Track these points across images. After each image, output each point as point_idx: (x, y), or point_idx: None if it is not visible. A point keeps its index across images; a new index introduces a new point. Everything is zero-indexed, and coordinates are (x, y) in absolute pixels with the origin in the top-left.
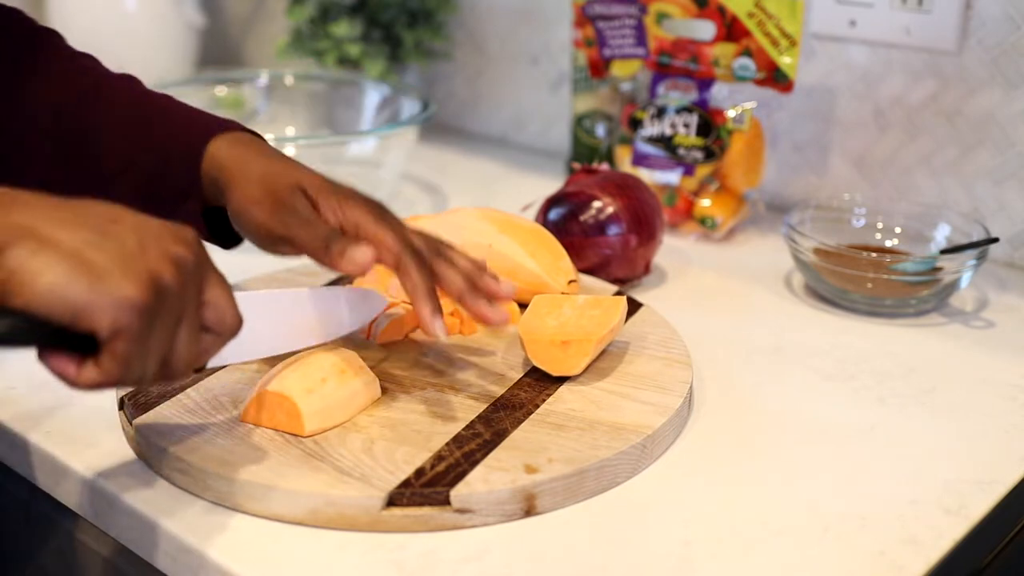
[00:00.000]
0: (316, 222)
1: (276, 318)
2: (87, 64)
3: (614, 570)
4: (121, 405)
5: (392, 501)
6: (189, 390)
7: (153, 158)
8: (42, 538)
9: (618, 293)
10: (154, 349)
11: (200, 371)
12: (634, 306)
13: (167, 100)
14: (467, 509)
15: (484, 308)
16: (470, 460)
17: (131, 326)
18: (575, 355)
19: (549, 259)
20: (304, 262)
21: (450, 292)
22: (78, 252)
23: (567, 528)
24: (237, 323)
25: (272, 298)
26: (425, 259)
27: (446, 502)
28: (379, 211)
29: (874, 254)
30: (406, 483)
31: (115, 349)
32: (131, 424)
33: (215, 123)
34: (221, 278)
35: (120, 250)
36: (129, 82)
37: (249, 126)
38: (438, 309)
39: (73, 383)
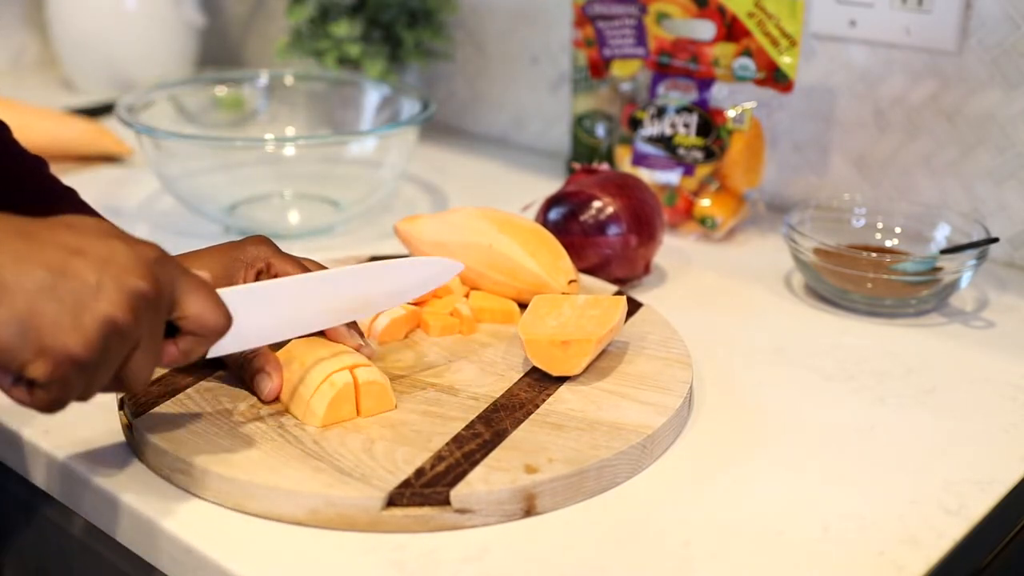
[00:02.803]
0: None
1: (300, 301)
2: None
3: (614, 570)
4: (121, 405)
5: (392, 501)
6: (189, 390)
7: None
8: (42, 538)
9: (618, 293)
10: (98, 379)
11: (201, 361)
12: (634, 306)
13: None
14: (467, 509)
15: (351, 336)
16: (470, 460)
17: (67, 376)
18: (575, 355)
19: (549, 259)
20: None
21: None
22: (29, 305)
23: (567, 528)
24: (221, 325)
25: (292, 283)
26: None
27: (446, 502)
28: (278, 250)
29: (874, 254)
30: (406, 483)
31: (51, 390)
32: (131, 424)
33: None
34: (198, 286)
35: (74, 296)
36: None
37: (249, 126)
38: (351, 325)
39: (30, 406)
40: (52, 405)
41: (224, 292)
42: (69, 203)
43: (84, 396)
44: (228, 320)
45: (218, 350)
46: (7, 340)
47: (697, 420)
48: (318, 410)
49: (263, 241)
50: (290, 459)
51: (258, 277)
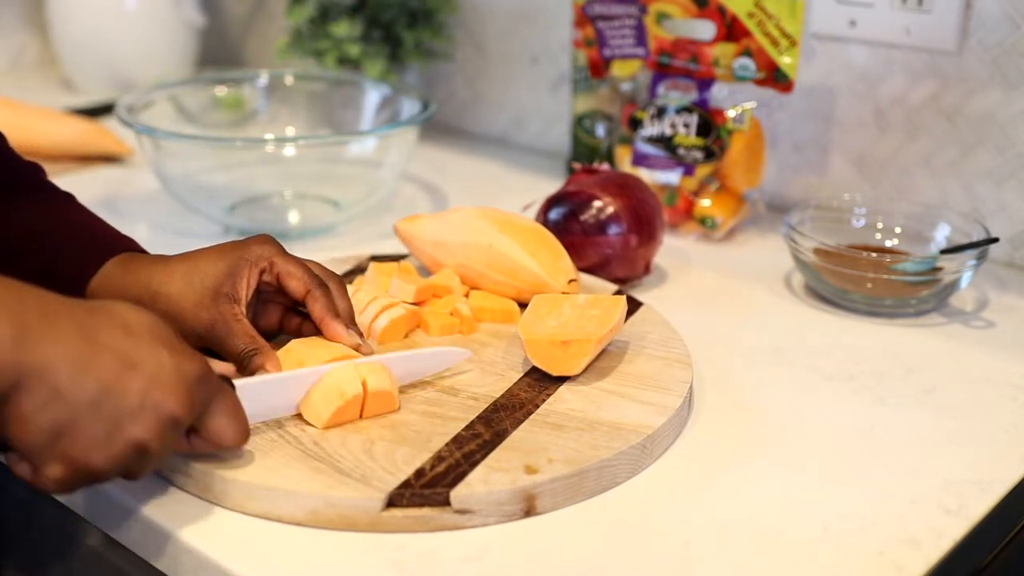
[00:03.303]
0: (236, 333)
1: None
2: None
3: (614, 570)
4: None
5: (392, 502)
6: None
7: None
8: (42, 539)
9: (618, 293)
10: (104, 480)
11: None
12: (634, 305)
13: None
14: (467, 510)
15: (350, 335)
16: (470, 461)
17: (79, 482)
18: (575, 355)
19: (549, 258)
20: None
21: (338, 314)
22: (73, 417)
23: (567, 528)
24: (238, 443)
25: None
26: (329, 288)
27: (446, 503)
28: (282, 250)
29: (874, 254)
30: (406, 484)
31: (57, 486)
32: None
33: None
34: (228, 406)
35: (115, 416)
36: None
37: (249, 126)
38: (349, 324)
39: (28, 481)
40: (52, 492)
41: (240, 384)
42: (67, 209)
43: (82, 487)
44: (245, 439)
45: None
46: (39, 442)
47: (697, 420)
48: (323, 414)
49: (267, 240)
50: (290, 460)
51: (261, 276)
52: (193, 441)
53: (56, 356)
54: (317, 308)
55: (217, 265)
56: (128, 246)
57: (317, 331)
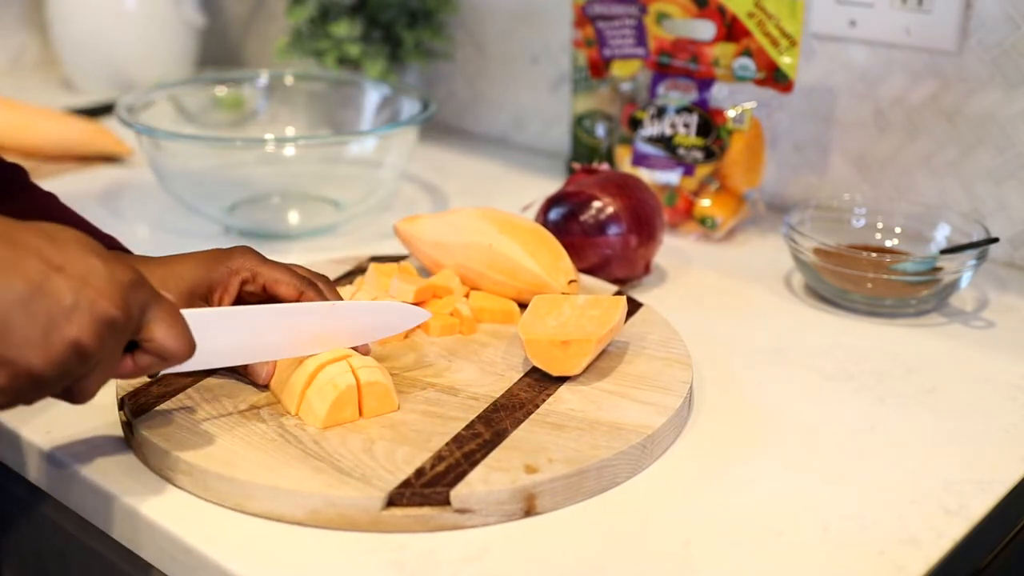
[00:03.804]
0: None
1: (262, 330)
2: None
3: (614, 570)
4: (121, 405)
5: (392, 501)
6: (189, 390)
7: None
8: (42, 538)
9: (618, 293)
10: (50, 391)
11: (153, 377)
12: (634, 306)
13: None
14: (467, 509)
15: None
16: (470, 460)
17: (21, 387)
18: (575, 355)
19: (549, 259)
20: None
21: None
22: (4, 315)
23: (567, 528)
24: (183, 353)
25: (262, 312)
26: (320, 288)
27: (446, 502)
28: (264, 259)
29: (874, 254)
30: (406, 483)
31: (2, 395)
32: (130, 424)
33: None
34: (167, 312)
35: (47, 314)
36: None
37: (249, 126)
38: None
39: None
40: (12, 403)
41: (190, 313)
42: (50, 209)
43: (29, 402)
44: (191, 349)
45: (178, 367)
46: None
47: (697, 420)
48: (320, 411)
49: (249, 251)
50: (290, 459)
51: (243, 286)
52: (137, 358)
53: None
54: None
55: (195, 271)
56: (111, 245)
57: None
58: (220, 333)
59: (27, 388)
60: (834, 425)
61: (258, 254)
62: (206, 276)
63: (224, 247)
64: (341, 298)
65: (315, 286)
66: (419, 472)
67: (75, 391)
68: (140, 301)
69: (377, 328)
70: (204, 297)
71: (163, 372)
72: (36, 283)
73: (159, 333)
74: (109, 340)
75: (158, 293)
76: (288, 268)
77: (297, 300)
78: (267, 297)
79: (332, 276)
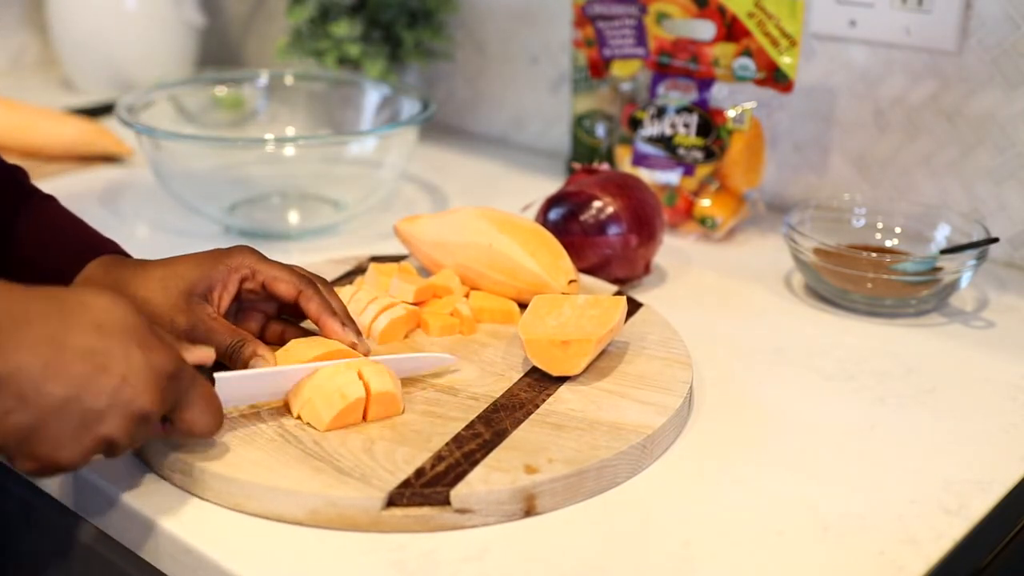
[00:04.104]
0: (216, 331)
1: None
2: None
3: (614, 570)
4: None
5: (392, 501)
6: None
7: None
8: (42, 538)
9: (618, 293)
10: (75, 469)
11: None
12: (634, 306)
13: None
14: (467, 509)
15: (347, 333)
16: (470, 460)
17: (47, 473)
18: (575, 355)
19: (549, 259)
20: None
21: (335, 312)
22: (40, 420)
23: (567, 528)
24: (209, 434)
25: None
26: (318, 287)
27: (446, 502)
28: (263, 257)
29: (874, 254)
30: (406, 483)
31: (30, 474)
32: None
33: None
34: (202, 397)
35: (82, 418)
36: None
37: (249, 126)
38: (346, 321)
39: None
40: (26, 475)
41: (223, 377)
42: (49, 211)
43: (55, 475)
44: (218, 427)
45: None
46: (6, 443)
47: (697, 420)
48: (325, 417)
49: (248, 249)
50: (290, 459)
51: (242, 284)
52: (167, 428)
53: (23, 364)
54: (313, 307)
55: (195, 270)
56: (110, 248)
57: (300, 335)
58: (247, 387)
59: (55, 473)
60: (834, 425)
61: (257, 253)
62: (206, 275)
63: (224, 247)
64: (339, 299)
65: (314, 284)
66: (419, 472)
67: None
68: (175, 390)
69: (404, 373)
70: (204, 295)
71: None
72: (76, 388)
73: (192, 416)
74: (140, 430)
75: (195, 376)
76: (287, 267)
77: (296, 298)
78: (266, 295)
79: (331, 276)
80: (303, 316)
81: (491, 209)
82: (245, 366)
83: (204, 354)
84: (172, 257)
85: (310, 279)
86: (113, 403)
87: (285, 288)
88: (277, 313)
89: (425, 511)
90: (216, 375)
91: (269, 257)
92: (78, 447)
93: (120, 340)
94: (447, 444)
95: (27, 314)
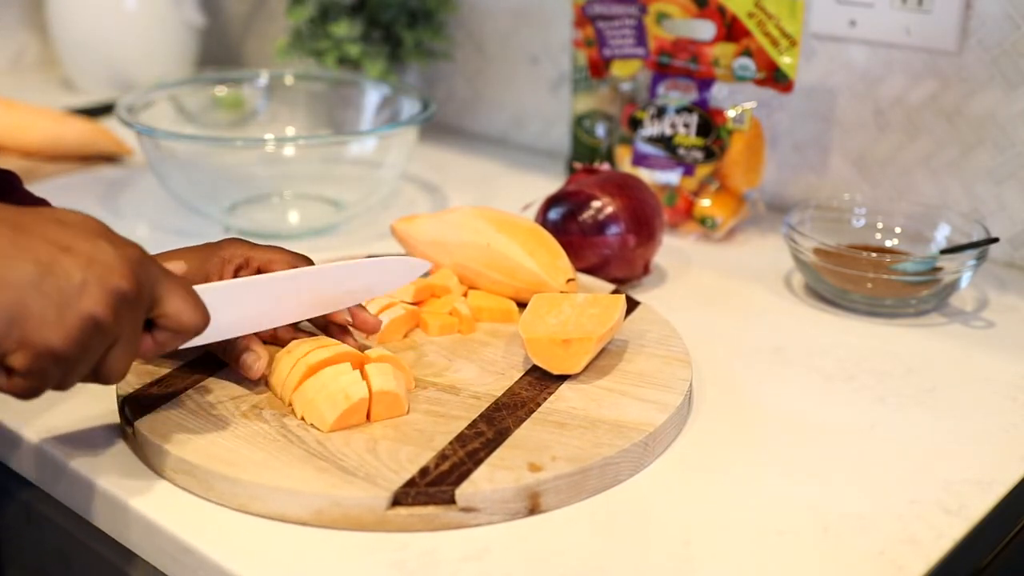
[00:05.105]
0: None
1: (272, 298)
2: None
3: (614, 569)
4: (121, 406)
5: (397, 501)
6: (190, 391)
7: None
8: (42, 538)
9: (615, 291)
10: (76, 372)
11: (174, 353)
12: (631, 304)
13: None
14: (472, 508)
15: (366, 314)
16: (474, 459)
17: (45, 368)
18: (576, 353)
19: (547, 258)
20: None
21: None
22: (16, 297)
23: (569, 527)
24: (198, 325)
25: (271, 280)
26: (312, 264)
27: (451, 501)
28: (254, 245)
29: (874, 254)
30: (411, 482)
31: (28, 379)
32: (132, 425)
33: None
34: (177, 285)
35: (59, 292)
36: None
37: (249, 126)
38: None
39: (6, 391)
40: (28, 392)
41: (201, 289)
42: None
43: (61, 386)
44: (205, 319)
45: (192, 341)
46: None
47: (697, 420)
48: (328, 418)
49: (238, 240)
50: (294, 460)
51: (236, 273)
52: (156, 335)
53: None
54: None
55: (190, 265)
56: None
57: (290, 335)
58: (228, 305)
59: (51, 368)
60: (834, 425)
61: (247, 242)
62: (201, 268)
63: (213, 241)
64: None
65: (307, 262)
66: (423, 471)
67: (102, 371)
68: (150, 275)
69: (382, 284)
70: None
71: (183, 346)
72: (45, 264)
73: (173, 307)
74: (124, 314)
75: (167, 270)
76: (279, 248)
77: None
78: None
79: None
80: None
81: (488, 208)
82: (238, 360)
83: (177, 267)
84: (164, 252)
85: (304, 257)
86: (87, 277)
87: (281, 268)
88: None
89: (430, 510)
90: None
91: (266, 244)
92: (64, 327)
93: (82, 230)
94: (450, 443)
95: None
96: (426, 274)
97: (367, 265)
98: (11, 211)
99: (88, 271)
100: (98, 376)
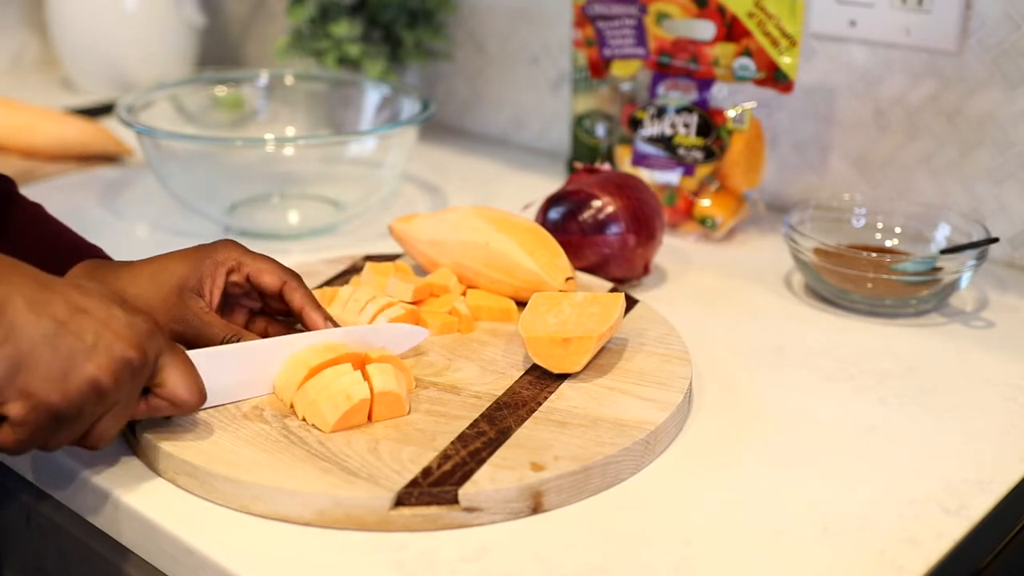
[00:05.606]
0: (211, 325)
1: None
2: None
3: (616, 568)
4: None
5: (400, 501)
6: None
7: None
8: (43, 539)
9: (613, 290)
10: (68, 432)
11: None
12: (630, 302)
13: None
14: (475, 508)
15: (328, 326)
16: (476, 459)
17: (40, 423)
18: (576, 352)
19: (546, 257)
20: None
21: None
22: (29, 350)
23: (572, 526)
24: (192, 403)
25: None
26: (302, 280)
27: (454, 501)
28: (248, 250)
29: (874, 254)
30: (414, 483)
31: (19, 432)
32: (133, 426)
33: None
34: (180, 362)
35: (69, 352)
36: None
37: (249, 126)
38: (327, 315)
39: None
40: (16, 445)
41: (195, 354)
42: (36, 219)
43: (47, 445)
44: (201, 399)
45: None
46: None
47: (697, 419)
48: (330, 419)
49: (232, 243)
50: (296, 460)
51: (228, 277)
52: (151, 401)
53: (12, 295)
54: (297, 298)
55: (183, 266)
56: (95, 253)
57: (283, 333)
58: (224, 370)
59: (45, 423)
60: (834, 425)
61: (241, 246)
62: (195, 269)
63: (207, 243)
64: (311, 294)
65: (298, 277)
66: (426, 471)
67: (91, 435)
68: (156, 348)
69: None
70: (195, 289)
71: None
72: (62, 321)
73: (171, 381)
74: (125, 381)
75: (173, 344)
76: (271, 259)
77: (280, 289)
78: (250, 288)
79: (326, 275)
80: (285, 311)
81: (487, 208)
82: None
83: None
84: (157, 255)
85: (291, 272)
86: (97, 343)
87: (270, 279)
88: (260, 309)
89: (433, 510)
90: (190, 352)
91: (258, 252)
92: (66, 386)
93: (99, 297)
94: (452, 443)
95: (13, 264)
96: (425, 274)
97: (366, 332)
98: (36, 271)
99: (100, 336)
100: (86, 439)
